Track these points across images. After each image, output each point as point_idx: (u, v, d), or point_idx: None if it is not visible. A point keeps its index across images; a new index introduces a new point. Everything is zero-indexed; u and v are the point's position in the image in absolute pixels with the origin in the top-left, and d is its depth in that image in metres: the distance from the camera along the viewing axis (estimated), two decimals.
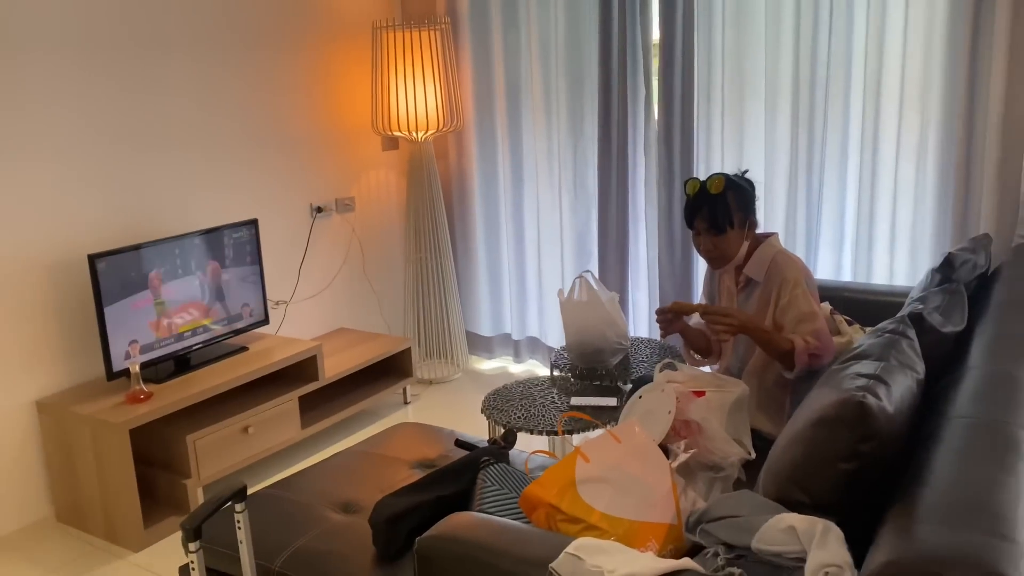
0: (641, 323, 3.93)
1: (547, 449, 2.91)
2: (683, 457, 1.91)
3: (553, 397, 2.77)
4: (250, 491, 2.91)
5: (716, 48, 3.45)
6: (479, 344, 4.42)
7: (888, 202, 3.21)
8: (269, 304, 3.71)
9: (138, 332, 2.97)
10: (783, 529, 1.39)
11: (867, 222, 3.26)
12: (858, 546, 1.31)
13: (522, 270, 4.22)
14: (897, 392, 1.48)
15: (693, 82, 3.51)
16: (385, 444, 2.45)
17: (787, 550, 1.39)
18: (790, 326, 2.24)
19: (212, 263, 3.23)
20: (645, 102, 3.67)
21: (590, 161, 3.89)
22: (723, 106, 3.49)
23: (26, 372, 2.90)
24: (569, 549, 1.43)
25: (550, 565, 1.41)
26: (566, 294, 2.96)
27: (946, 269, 2.22)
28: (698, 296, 2.64)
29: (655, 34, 3.58)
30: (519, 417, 2.60)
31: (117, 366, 2.90)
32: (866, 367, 1.52)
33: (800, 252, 3.38)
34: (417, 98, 3.84)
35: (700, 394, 2.17)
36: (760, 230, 2.40)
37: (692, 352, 2.57)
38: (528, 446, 2.71)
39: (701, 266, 3.62)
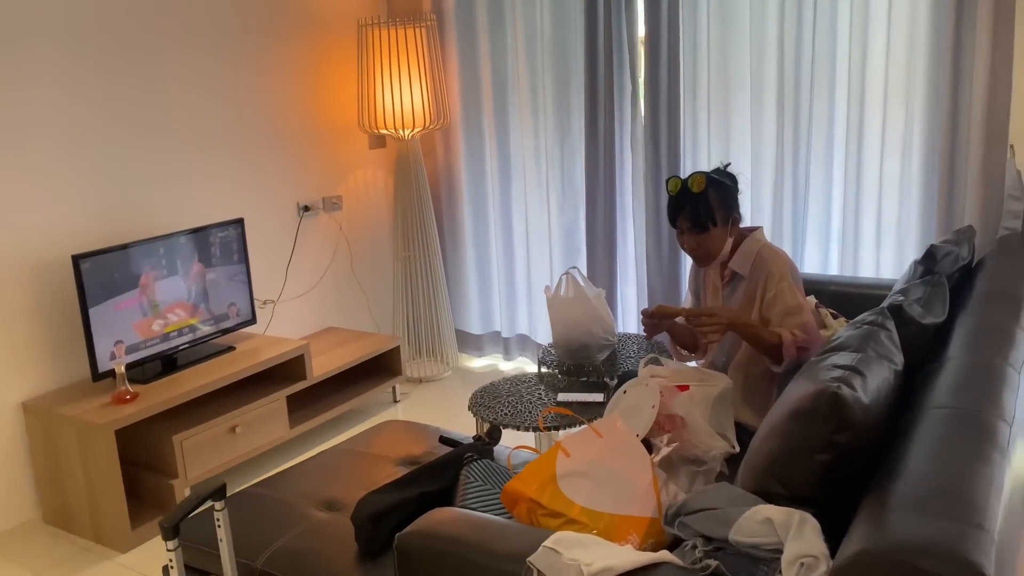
0: (630, 319, 3.93)
1: (533, 445, 2.91)
2: (665, 451, 1.92)
3: (540, 393, 2.77)
4: (236, 491, 2.90)
5: (701, 44, 3.45)
6: (469, 342, 4.42)
7: (874, 195, 3.22)
8: (256, 304, 3.70)
9: (124, 333, 2.96)
10: (760, 521, 1.40)
11: (853, 216, 3.26)
12: (836, 537, 1.31)
13: (511, 267, 4.22)
14: (873, 383, 1.48)
15: (679, 78, 3.51)
16: (370, 442, 2.44)
17: (764, 542, 1.39)
18: (777, 320, 2.24)
19: (198, 263, 3.22)
20: (631, 98, 3.67)
21: (577, 158, 3.89)
22: (709, 101, 3.49)
23: (11, 374, 2.89)
24: (547, 543, 1.43)
25: (528, 559, 1.41)
26: (553, 291, 2.96)
27: (928, 261, 2.22)
28: (685, 291, 2.65)
29: (640, 30, 3.58)
30: (505, 414, 2.59)
31: (103, 367, 2.89)
32: (843, 359, 1.52)
33: (787, 246, 3.39)
34: (403, 96, 3.83)
35: (684, 388, 2.17)
36: (747, 224, 2.40)
37: (679, 348, 2.57)
38: (515, 443, 2.71)
39: (688, 261, 3.62)
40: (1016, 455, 1.54)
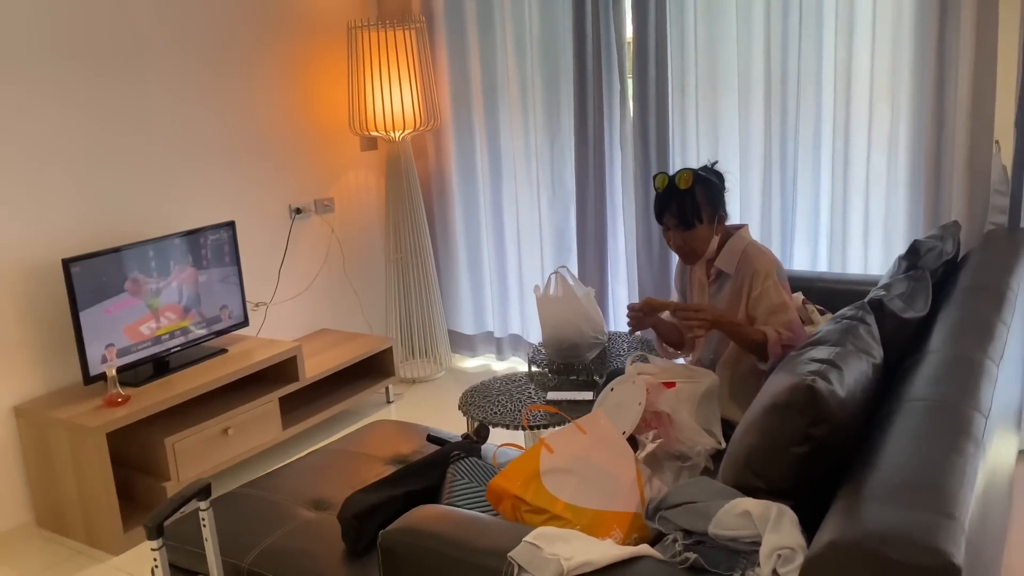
0: (621, 317, 3.94)
1: (522, 444, 2.92)
2: (650, 447, 1.93)
3: (530, 392, 2.78)
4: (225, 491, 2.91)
5: (689, 43, 3.47)
6: (461, 342, 4.43)
7: (861, 192, 3.23)
8: (249, 306, 3.71)
9: (115, 336, 2.97)
10: (739, 514, 1.41)
11: (841, 212, 3.28)
12: (814, 528, 1.33)
13: (503, 268, 4.23)
14: (851, 376, 1.49)
15: (667, 77, 3.52)
16: (359, 441, 2.45)
17: (743, 534, 1.40)
18: (762, 318, 2.25)
19: (190, 266, 3.23)
20: (620, 98, 3.68)
21: (567, 157, 3.90)
22: (697, 100, 3.51)
23: (3, 378, 2.90)
24: (528, 538, 1.44)
25: (508, 554, 1.42)
26: (542, 290, 2.97)
27: (912, 256, 2.23)
28: (674, 289, 2.66)
29: (628, 30, 3.60)
30: (495, 412, 2.61)
31: (94, 370, 2.90)
32: (820, 352, 1.53)
33: (775, 243, 3.40)
34: (394, 97, 3.85)
35: (670, 385, 2.18)
36: (736, 221, 2.41)
37: (665, 345, 2.58)
38: (506, 442, 2.72)
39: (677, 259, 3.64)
40: (993, 447, 1.55)
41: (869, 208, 3.22)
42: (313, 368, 3.55)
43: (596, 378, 2.85)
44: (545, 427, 2.54)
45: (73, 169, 3.07)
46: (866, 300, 1.82)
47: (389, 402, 3.94)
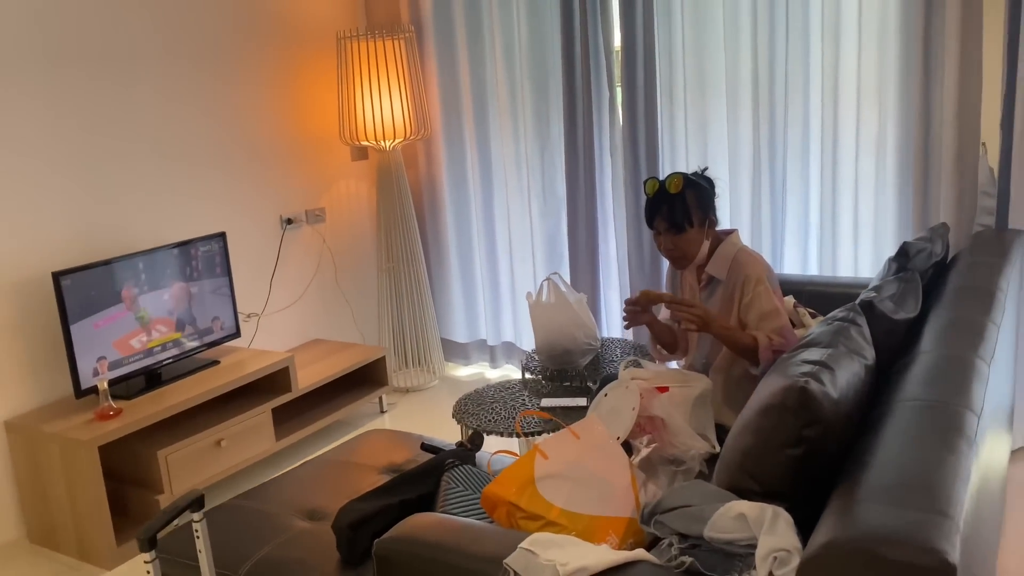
0: (613, 323, 3.95)
1: (516, 450, 2.91)
2: (645, 452, 1.93)
3: (524, 399, 2.77)
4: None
5: (676, 49, 3.48)
6: (455, 351, 4.43)
7: (850, 195, 3.25)
8: (241, 317, 3.70)
9: (106, 349, 2.95)
10: (734, 517, 1.41)
11: (830, 215, 3.29)
12: (809, 530, 1.33)
13: (495, 275, 4.23)
14: (843, 377, 1.49)
15: (655, 83, 3.54)
16: (353, 451, 2.45)
17: (739, 537, 1.40)
18: (753, 323, 2.26)
19: (180, 278, 3.22)
20: (609, 105, 3.70)
21: (558, 165, 3.91)
22: (686, 106, 3.52)
23: None
24: (523, 544, 1.44)
25: (504, 561, 1.42)
26: (534, 297, 2.97)
27: (902, 258, 2.24)
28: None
29: (616, 37, 3.61)
30: (489, 420, 2.60)
31: (85, 383, 2.88)
32: (812, 354, 1.53)
33: (766, 247, 3.41)
34: (384, 107, 3.85)
35: (664, 390, 2.18)
36: (725, 226, 2.42)
37: (659, 347, 2.58)
38: (500, 449, 2.72)
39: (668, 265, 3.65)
40: (986, 446, 1.56)
41: (858, 210, 3.24)
42: (306, 379, 3.54)
43: (590, 384, 2.84)
44: (539, 433, 2.53)
45: (62, 181, 3.06)
46: (857, 301, 1.83)
47: (383, 412, 3.93)
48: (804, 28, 3.19)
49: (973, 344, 1.73)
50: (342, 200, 4.24)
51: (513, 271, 4.15)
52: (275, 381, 3.40)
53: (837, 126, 3.21)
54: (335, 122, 4.13)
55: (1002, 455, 2.19)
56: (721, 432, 2.20)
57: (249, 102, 3.72)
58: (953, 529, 1.10)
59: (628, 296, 3.81)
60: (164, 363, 3.17)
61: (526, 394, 2.82)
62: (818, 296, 2.81)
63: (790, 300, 2.65)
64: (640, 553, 1.42)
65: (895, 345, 1.87)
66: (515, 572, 1.40)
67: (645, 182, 2.35)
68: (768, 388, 1.48)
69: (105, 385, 2.84)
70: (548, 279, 2.97)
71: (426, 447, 2.33)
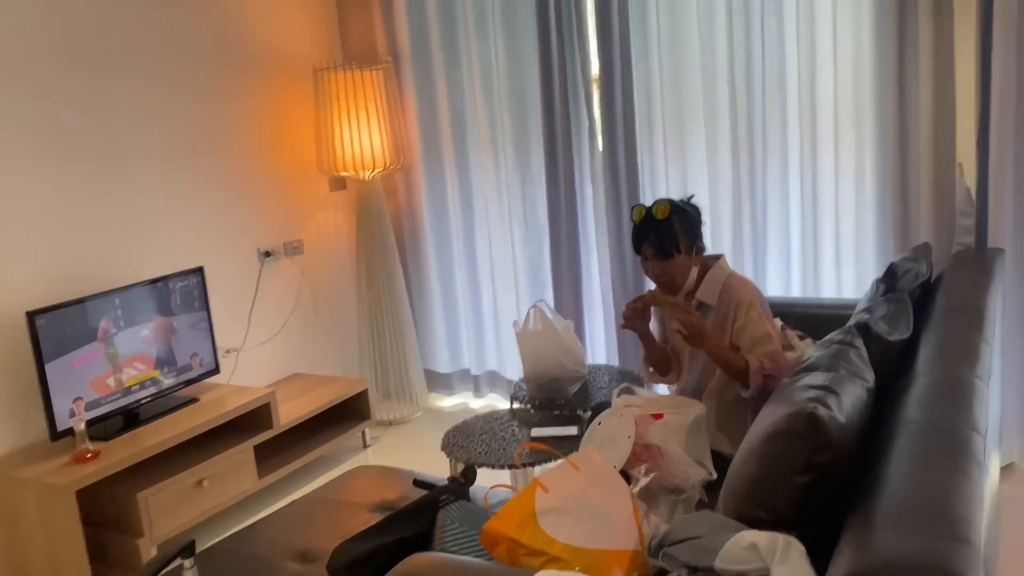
0: (598, 350, 3.93)
1: (509, 483, 2.86)
2: (644, 481, 1.90)
3: (514, 430, 2.74)
4: (206, 546, 2.81)
5: (654, 77, 3.51)
6: (438, 381, 4.38)
7: (830, 219, 3.27)
8: (220, 352, 3.63)
9: (82, 389, 2.87)
10: (745, 547, 1.38)
11: (812, 238, 3.31)
12: (821, 558, 1.30)
13: (478, 304, 4.20)
14: (848, 401, 1.48)
15: (634, 111, 3.56)
16: (342, 489, 2.39)
17: (751, 568, 1.37)
18: (746, 347, 2.26)
19: (158, 314, 3.15)
20: (589, 133, 3.71)
21: (539, 192, 3.91)
22: (664, 133, 3.54)
23: None
24: None
25: None
26: (521, 325, 2.95)
27: (890, 279, 2.25)
28: (652, 320, 2.66)
29: (594, 66, 3.63)
30: (480, 452, 2.56)
31: (61, 425, 2.80)
32: (816, 378, 1.52)
33: (748, 271, 3.42)
34: (362, 137, 3.83)
35: (658, 417, 2.16)
36: (707, 252, 2.42)
37: (650, 368, 2.57)
38: (491, 482, 2.67)
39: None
40: (992, 466, 1.55)
41: (839, 232, 3.27)
42: (287, 414, 3.47)
43: (579, 412, 2.82)
44: (533, 465, 2.50)
45: (35, 218, 2.98)
46: (853, 324, 1.83)
47: (366, 446, 3.87)
48: (780, 55, 3.23)
49: (969, 364, 1.73)
50: (321, 231, 4.19)
51: (496, 300, 4.13)
52: (256, 418, 3.33)
53: (816, 150, 3.24)
54: (313, 153, 4.09)
55: (996, 471, 2.20)
56: (715, 458, 2.18)
57: (226, 134, 3.68)
58: (976, 556, 1.09)
59: (612, 323, 3.80)
60: (142, 402, 3.09)
61: (515, 424, 2.78)
62: (804, 318, 2.82)
63: (778, 322, 2.65)
64: None
65: (890, 366, 1.86)
66: None
67: (632, 209, 2.35)
68: (773, 415, 1.46)
69: (82, 426, 2.76)
70: (535, 307, 2.95)
71: (419, 483, 2.28)
